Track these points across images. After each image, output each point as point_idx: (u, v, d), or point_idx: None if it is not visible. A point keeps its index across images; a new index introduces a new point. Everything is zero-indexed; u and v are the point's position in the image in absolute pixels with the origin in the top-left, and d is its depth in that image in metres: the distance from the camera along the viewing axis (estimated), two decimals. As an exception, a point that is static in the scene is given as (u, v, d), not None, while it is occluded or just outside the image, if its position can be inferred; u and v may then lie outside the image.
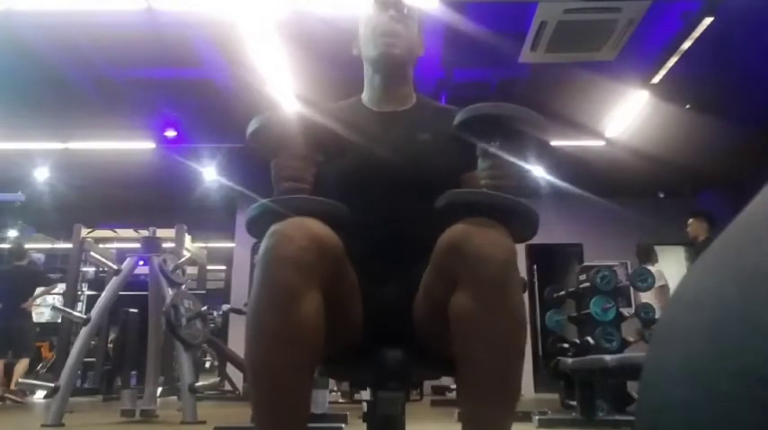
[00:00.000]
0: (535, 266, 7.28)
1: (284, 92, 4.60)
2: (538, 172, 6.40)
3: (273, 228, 0.88)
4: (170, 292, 3.46)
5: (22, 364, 5.51)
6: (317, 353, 0.88)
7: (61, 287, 6.72)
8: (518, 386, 0.88)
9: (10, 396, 5.41)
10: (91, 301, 6.65)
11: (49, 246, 8.92)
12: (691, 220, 4.63)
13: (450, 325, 0.88)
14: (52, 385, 3.33)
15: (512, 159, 1.00)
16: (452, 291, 0.89)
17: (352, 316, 1.04)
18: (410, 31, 1.23)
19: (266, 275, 0.85)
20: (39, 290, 5.83)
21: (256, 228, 0.97)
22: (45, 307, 7.50)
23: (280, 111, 1.12)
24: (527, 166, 1.03)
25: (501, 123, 1.00)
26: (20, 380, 4.68)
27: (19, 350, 5.58)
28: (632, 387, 3.69)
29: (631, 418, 3.13)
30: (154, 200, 7.48)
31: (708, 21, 3.75)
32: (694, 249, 4.54)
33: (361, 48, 1.27)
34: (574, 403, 3.44)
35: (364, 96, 1.32)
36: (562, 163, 5.93)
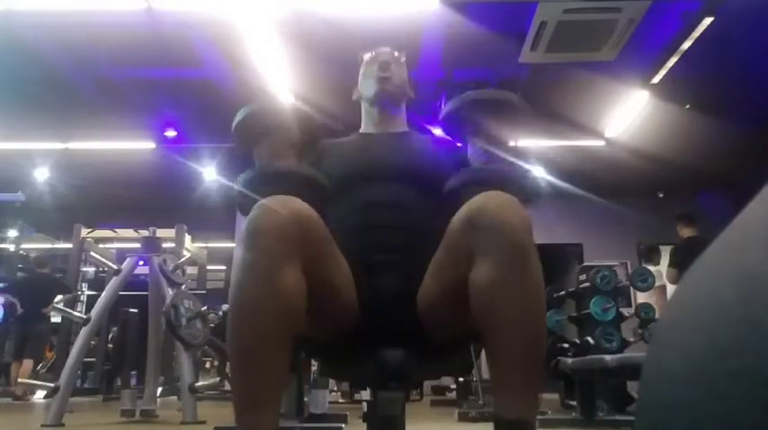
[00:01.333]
0: (535, 266, 7.28)
1: (284, 91, 4.60)
2: (538, 172, 6.40)
3: (258, 203, 0.92)
4: (170, 292, 3.46)
5: (27, 365, 5.67)
6: (297, 325, 0.90)
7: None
8: (544, 346, 0.91)
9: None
10: (91, 301, 6.65)
11: (49, 246, 8.92)
12: (678, 224, 4.67)
13: (472, 297, 0.91)
14: (52, 385, 3.33)
15: (501, 140, 1.10)
16: (469, 268, 0.91)
17: (343, 298, 1.05)
18: (402, 73, 1.41)
19: (249, 245, 0.89)
20: (59, 297, 5.97)
21: (245, 197, 1.05)
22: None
23: (265, 102, 1.21)
24: (525, 165, 1.10)
25: (486, 108, 1.10)
26: (20, 380, 4.69)
27: (31, 352, 5.85)
28: (632, 387, 3.69)
29: (631, 418, 3.12)
30: (154, 200, 7.48)
31: (708, 21, 3.75)
32: (673, 249, 4.57)
33: (361, 90, 1.43)
34: (574, 403, 3.44)
35: (362, 129, 1.46)
36: (561, 163, 5.93)
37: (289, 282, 0.87)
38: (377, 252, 1.14)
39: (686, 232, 4.56)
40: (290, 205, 0.91)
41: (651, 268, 4.39)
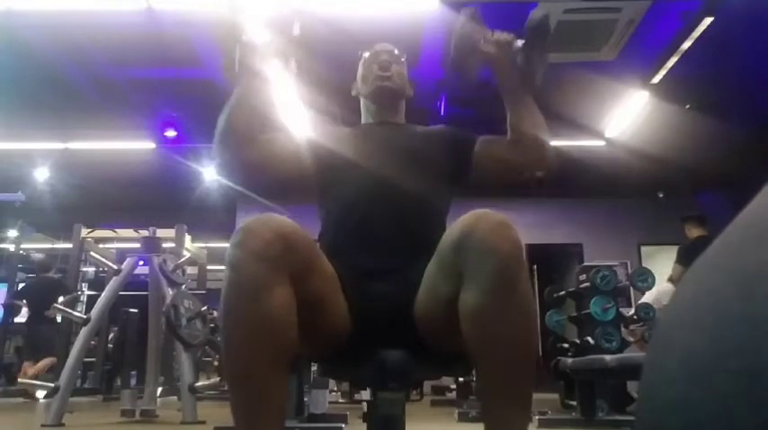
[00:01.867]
0: (535, 266, 7.29)
1: (284, 93, 4.60)
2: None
3: (241, 224, 0.91)
4: (170, 292, 3.46)
5: (43, 363, 5.77)
6: (290, 344, 0.89)
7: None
8: (531, 377, 0.89)
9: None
10: (91, 301, 6.65)
11: (49, 246, 8.91)
12: (686, 226, 4.67)
13: (461, 322, 0.89)
14: (52, 385, 3.33)
15: None
16: (459, 288, 0.89)
17: (335, 311, 1.04)
18: (401, 71, 1.42)
19: (233, 269, 0.88)
20: (61, 298, 6.01)
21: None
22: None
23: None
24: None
25: None
26: (20, 380, 4.68)
27: (42, 352, 5.94)
28: (632, 387, 3.69)
29: (631, 418, 3.12)
30: (154, 200, 7.48)
31: (708, 21, 3.75)
32: (682, 247, 4.58)
33: (360, 87, 1.44)
34: (574, 403, 3.44)
35: (362, 122, 1.48)
36: (560, 163, 5.93)
37: (277, 302, 0.86)
38: (375, 256, 1.14)
39: (695, 232, 4.56)
40: (271, 224, 0.90)
41: (671, 287, 4.41)
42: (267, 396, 0.86)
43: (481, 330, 0.86)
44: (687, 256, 4.40)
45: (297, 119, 4.53)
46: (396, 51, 1.43)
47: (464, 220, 0.91)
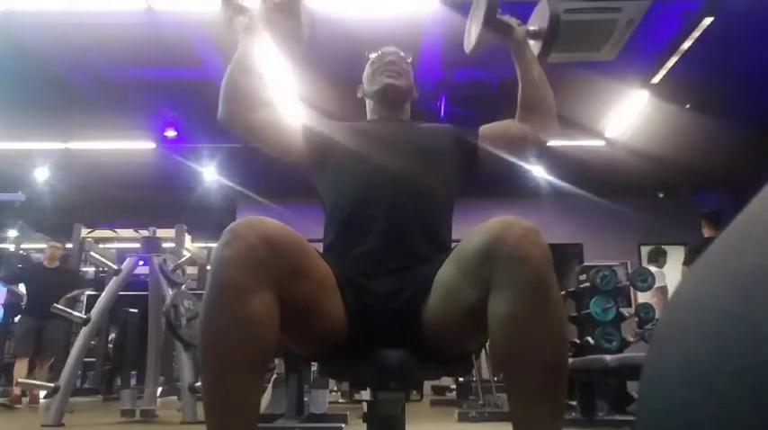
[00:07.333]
0: (535, 266, 7.26)
1: (284, 92, 4.60)
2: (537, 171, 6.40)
3: (228, 226, 0.90)
4: (170, 292, 3.46)
5: (43, 368, 5.30)
6: (267, 349, 0.88)
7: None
8: (564, 383, 0.88)
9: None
10: (91, 301, 6.65)
11: (48, 246, 8.91)
12: (702, 222, 4.62)
13: (490, 328, 0.88)
14: (52, 385, 3.33)
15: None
16: (485, 296, 0.88)
17: (329, 312, 1.03)
18: (407, 72, 1.43)
19: (215, 273, 0.87)
20: (72, 292, 5.59)
21: None
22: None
23: None
24: None
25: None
26: (19, 380, 4.67)
27: (45, 351, 5.36)
28: (632, 387, 3.69)
29: (631, 418, 3.12)
30: (154, 200, 7.48)
31: (708, 21, 3.76)
32: (691, 246, 4.55)
33: (366, 87, 1.45)
34: (574, 403, 3.44)
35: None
36: (561, 163, 5.93)
37: (256, 309, 0.85)
38: (377, 254, 1.13)
39: (706, 232, 4.54)
40: (258, 228, 0.88)
41: (653, 269, 4.39)
42: (240, 398, 0.85)
43: (514, 337, 0.86)
44: (693, 257, 4.38)
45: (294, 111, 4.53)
46: (401, 53, 1.44)
47: (491, 227, 0.90)
